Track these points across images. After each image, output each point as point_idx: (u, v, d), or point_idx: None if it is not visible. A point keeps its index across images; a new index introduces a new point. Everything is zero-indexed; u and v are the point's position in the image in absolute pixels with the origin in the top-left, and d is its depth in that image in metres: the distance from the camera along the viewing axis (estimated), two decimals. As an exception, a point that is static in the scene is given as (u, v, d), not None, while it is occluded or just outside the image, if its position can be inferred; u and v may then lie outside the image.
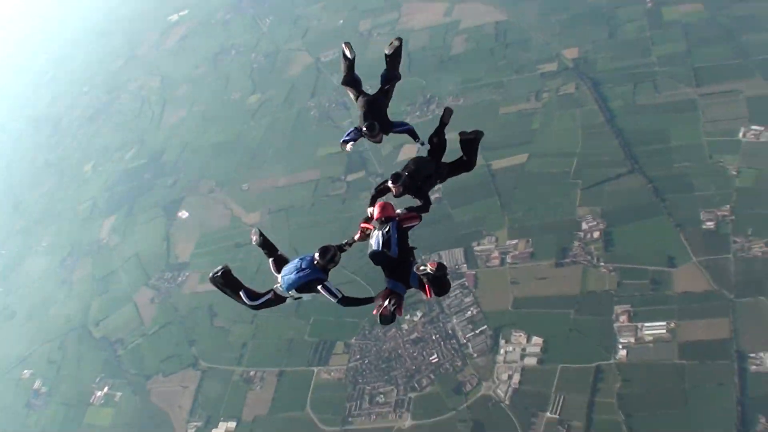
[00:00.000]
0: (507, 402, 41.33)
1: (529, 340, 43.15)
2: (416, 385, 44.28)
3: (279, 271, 9.45)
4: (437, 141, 10.32)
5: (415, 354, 45.86)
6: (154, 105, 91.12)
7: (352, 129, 10.37)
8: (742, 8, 57.57)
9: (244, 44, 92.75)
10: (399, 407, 43.81)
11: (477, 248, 49.39)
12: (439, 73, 67.01)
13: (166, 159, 77.95)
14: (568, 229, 47.63)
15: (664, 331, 40.84)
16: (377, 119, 10.18)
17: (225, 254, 58.64)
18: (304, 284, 9.09)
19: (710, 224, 44.30)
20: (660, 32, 59.62)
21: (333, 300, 9.08)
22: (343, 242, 9.90)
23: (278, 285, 9.30)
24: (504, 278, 47.00)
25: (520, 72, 62.47)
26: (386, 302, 8.71)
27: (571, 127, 54.56)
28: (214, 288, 9.46)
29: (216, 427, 48.27)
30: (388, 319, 8.79)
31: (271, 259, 9.70)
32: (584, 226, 47.37)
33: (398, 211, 9.59)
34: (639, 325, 41.45)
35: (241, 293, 9.28)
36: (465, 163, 10.52)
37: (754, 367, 37.85)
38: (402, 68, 11.11)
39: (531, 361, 42.45)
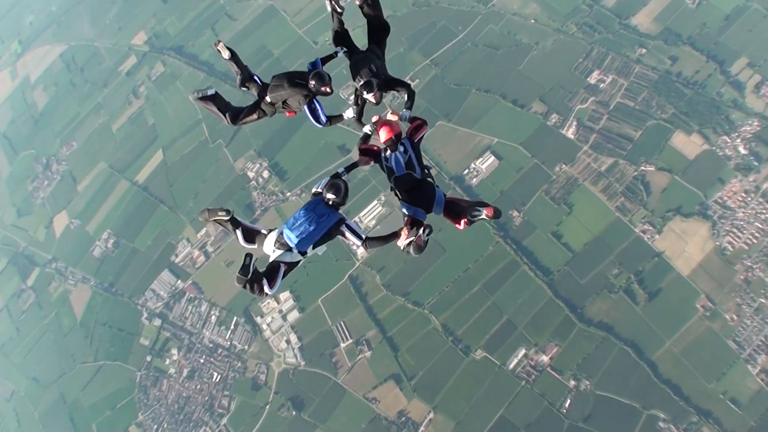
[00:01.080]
0: (303, 363, 41.68)
1: (278, 300, 43.12)
2: (221, 410, 42.97)
3: (253, 242, 8.66)
4: (341, 31, 10.10)
5: (198, 386, 44.26)
6: None
7: (317, 106, 9.57)
8: None
9: None
10: (222, 440, 42.72)
11: (177, 260, 47.69)
12: (42, 134, 61.88)
13: None
14: (239, 186, 47.42)
15: (380, 208, 42.71)
16: (297, 75, 9.48)
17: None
18: (326, 232, 8.40)
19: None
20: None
21: (357, 241, 8.54)
22: (341, 170, 9.17)
23: (275, 256, 8.44)
24: (219, 267, 46.11)
25: (108, 84, 59.75)
26: (420, 232, 8.59)
27: (183, 100, 53.35)
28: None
29: None
30: (422, 249, 8.72)
31: (238, 231, 8.60)
32: (251, 174, 47.38)
33: (395, 119, 9.42)
34: (357, 218, 42.57)
35: (264, 287, 8.28)
36: (381, 27, 10.26)
37: (474, 180, 41.37)
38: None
39: (294, 316, 42.86)
